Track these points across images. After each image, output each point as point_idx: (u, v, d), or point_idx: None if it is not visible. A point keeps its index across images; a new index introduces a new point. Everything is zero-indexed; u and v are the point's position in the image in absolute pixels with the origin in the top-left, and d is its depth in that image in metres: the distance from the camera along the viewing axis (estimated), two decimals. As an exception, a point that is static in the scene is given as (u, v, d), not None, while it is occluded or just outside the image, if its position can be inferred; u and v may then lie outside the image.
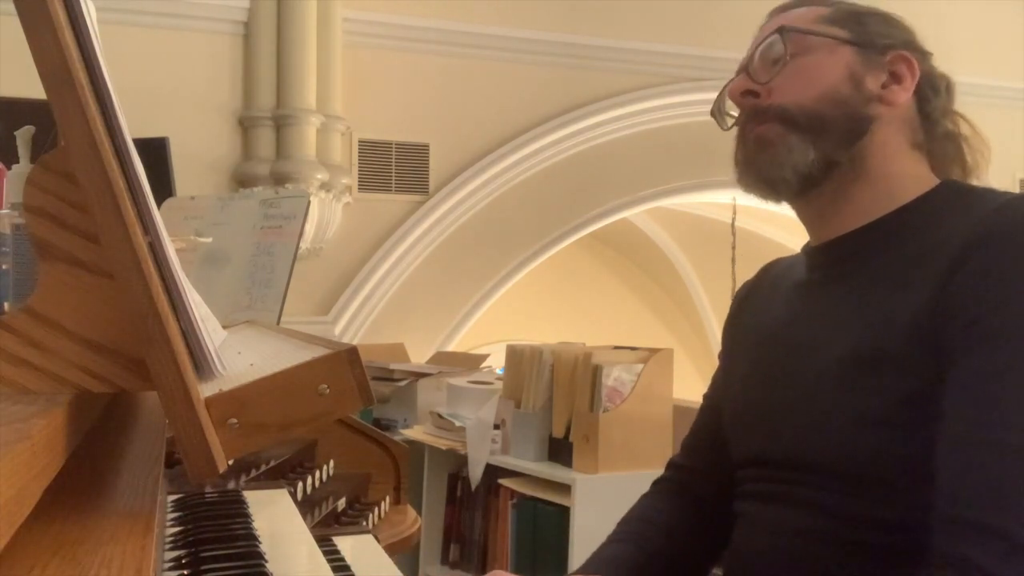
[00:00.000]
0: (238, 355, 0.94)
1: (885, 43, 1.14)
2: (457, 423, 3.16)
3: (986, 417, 0.89)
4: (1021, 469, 0.87)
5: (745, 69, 1.18)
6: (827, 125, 1.10)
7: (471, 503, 3.18)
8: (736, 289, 1.36)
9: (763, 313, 1.23)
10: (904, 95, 1.13)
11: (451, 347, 5.05)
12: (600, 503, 2.63)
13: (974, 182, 1.14)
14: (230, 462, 0.70)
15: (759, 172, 1.14)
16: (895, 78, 1.13)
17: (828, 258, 1.14)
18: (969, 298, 0.94)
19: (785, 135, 1.11)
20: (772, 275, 1.29)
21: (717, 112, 1.25)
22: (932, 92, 1.15)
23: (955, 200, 1.08)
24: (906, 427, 0.96)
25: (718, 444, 1.23)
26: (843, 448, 1.00)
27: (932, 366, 0.94)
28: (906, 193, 1.10)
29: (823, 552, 1.01)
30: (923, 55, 1.16)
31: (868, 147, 1.11)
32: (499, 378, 3.34)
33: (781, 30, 1.14)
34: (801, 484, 1.05)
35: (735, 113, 1.20)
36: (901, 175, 1.11)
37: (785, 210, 1.20)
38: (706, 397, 1.32)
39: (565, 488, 2.76)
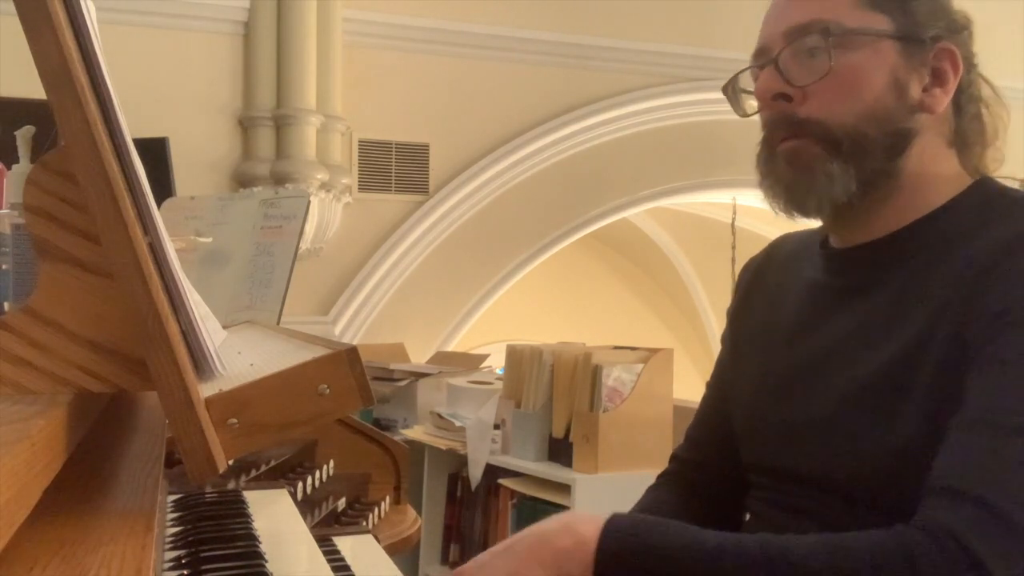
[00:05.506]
0: (238, 355, 0.94)
1: (931, 34, 1.01)
2: (457, 423, 3.16)
3: (995, 402, 0.87)
4: (1015, 447, 0.85)
5: (774, 62, 1.03)
6: (869, 146, 1.00)
7: (471, 503, 3.18)
8: (740, 269, 1.27)
9: (775, 305, 1.16)
10: (946, 99, 1.02)
11: (451, 347, 5.05)
12: (600, 503, 2.62)
13: (993, 154, 1.05)
14: (230, 462, 0.70)
15: (791, 195, 1.04)
16: (938, 78, 1.02)
17: (851, 264, 1.07)
18: (996, 297, 0.91)
19: (826, 160, 1.01)
20: (782, 255, 1.20)
21: (732, 94, 1.11)
22: (967, 78, 1.03)
23: (989, 206, 1.00)
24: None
25: (724, 437, 1.19)
26: (873, 474, 0.97)
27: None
28: (937, 196, 1.02)
29: None
30: (964, 36, 1.04)
31: (906, 161, 1.02)
32: (499, 378, 3.34)
33: (824, 31, 1.00)
34: (826, 502, 1.02)
35: (754, 103, 1.07)
36: (934, 178, 1.03)
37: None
38: (710, 385, 1.26)
39: (565, 488, 2.75)
